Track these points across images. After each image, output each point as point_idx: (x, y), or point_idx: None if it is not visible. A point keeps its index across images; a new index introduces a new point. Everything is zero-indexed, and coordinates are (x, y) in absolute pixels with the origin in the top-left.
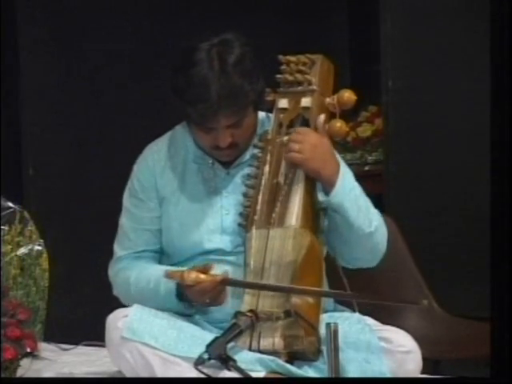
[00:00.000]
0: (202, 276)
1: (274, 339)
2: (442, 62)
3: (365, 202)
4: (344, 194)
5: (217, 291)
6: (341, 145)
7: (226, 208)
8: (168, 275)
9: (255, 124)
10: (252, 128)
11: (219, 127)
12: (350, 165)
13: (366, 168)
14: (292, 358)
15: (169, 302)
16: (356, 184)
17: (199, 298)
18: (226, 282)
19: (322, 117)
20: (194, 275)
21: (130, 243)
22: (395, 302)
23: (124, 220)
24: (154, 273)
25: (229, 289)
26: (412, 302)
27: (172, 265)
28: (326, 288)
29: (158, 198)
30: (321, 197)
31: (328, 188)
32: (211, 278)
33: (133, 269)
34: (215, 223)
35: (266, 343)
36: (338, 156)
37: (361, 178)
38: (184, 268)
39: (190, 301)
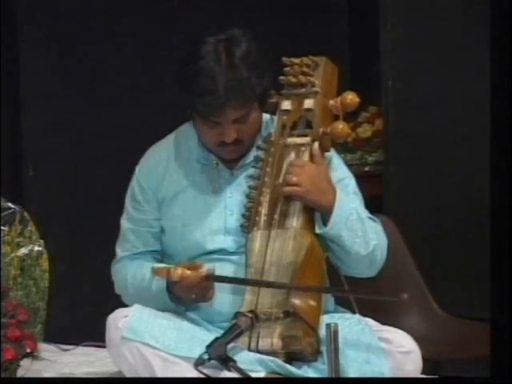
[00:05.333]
0: (188, 272)
1: (272, 339)
2: (442, 62)
3: (362, 225)
4: (341, 224)
5: (202, 286)
6: (341, 145)
7: (230, 208)
8: (155, 272)
9: (260, 122)
10: (257, 125)
11: (225, 121)
12: (350, 165)
13: (366, 169)
14: (291, 358)
15: (160, 300)
16: (353, 206)
17: (185, 293)
18: (210, 277)
19: (316, 144)
20: (179, 271)
21: (129, 244)
22: (377, 297)
23: (124, 221)
24: (148, 271)
25: (216, 285)
26: (392, 298)
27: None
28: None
29: (157, 200)
30: (317, 229)
31: (326, 217)
32: (196, 274)
33: (131, 268)
34: (219, 223)
35: (264, 343)
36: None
37: (361, 178)
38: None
39: (178, 297)
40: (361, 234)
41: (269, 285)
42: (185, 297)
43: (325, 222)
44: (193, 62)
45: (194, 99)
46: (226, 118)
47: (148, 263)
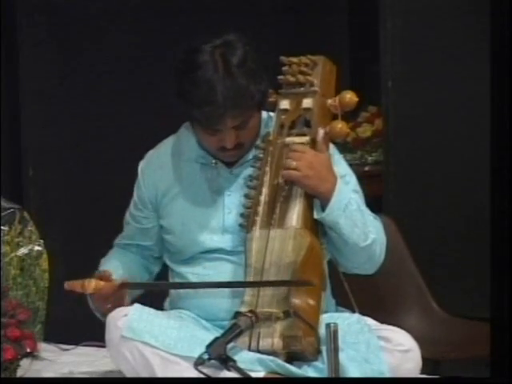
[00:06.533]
0: (102, 283)
1: (272, 339)
2: (442, 62)
3: (361, 216)
4: (339, 211)
5: (117, 296)
6: (341, 145)
7: (228, 207)
8: (69, 286)
9: (260, 123)
10: (257, 128)
11: (225, 129)
12: (349, 165)
13: (366, 168)
14: (291, 358)
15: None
16: (353, 197)
17: (102, 304)
18: (124, 286)
19: (321, 131)
20: (93, 283)
21: (122, 234)
22: (288, 284)
23: (126, 213)
24: (113, 264)
25: (129, 292)
26: (303, 283)
27: (176, 263)
28: (329, 290)
29: (153, 199)
30: (316, 214)
31: (324, 204)
32: (110, 284)
33: (109, 257)
34: (217, 222)
35: (264, 343)
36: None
37: (361, 178)
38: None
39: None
40: (360, 224)
41: (187, 286)
42: (102, 307)
43: (324, 209)
44: (189, 73)
45: (193, 110)
46: (226, 126)
47: (124, 257)
